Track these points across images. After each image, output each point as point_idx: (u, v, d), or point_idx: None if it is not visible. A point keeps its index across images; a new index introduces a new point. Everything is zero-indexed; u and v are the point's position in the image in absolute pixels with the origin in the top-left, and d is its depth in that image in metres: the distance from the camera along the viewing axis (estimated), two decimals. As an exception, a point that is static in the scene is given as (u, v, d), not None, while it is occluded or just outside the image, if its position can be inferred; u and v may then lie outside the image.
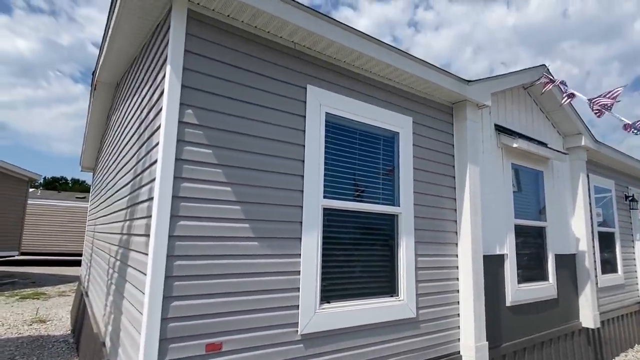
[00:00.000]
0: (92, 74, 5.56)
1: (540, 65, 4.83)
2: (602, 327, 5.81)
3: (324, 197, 2.88)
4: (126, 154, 3.64)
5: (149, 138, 2.63)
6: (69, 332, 7.03)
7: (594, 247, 5.84)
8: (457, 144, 3.92)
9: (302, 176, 2.77)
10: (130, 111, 3.71)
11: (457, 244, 3.77)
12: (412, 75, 3.31)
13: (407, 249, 3.31)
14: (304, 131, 2.83)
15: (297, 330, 2.59)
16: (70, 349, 6.07)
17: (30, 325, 7.37)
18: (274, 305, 2.52)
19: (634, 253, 7.30)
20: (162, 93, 2.39)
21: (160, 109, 2.35)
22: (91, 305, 5.32)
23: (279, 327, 2.52)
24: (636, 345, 6.74)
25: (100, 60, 4.39)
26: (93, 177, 8.87)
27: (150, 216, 2.21)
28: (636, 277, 7.21)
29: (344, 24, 2.84)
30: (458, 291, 3.71)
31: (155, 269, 2.09)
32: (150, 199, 2.29)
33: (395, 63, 3.16)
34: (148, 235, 2.26)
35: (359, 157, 3.21)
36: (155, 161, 2.28)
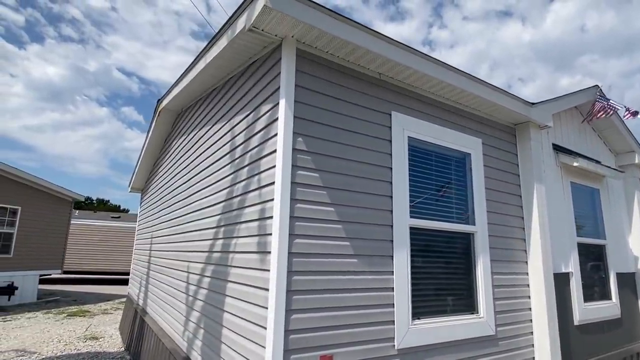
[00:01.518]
0: (157, 102, 5.96)
1: (593, 86, 4.94)
2: (666, 349, 5.64)
3: (410, 216, 3.03)
4: (209, 175, 3.90)
5: (252, 162, 2.86)
6: (122, 349, 7.24)
7: (652, 265, 5.73)
8: (522, 163, 4.03)
9: (391, 197, 2.95)
10: (211, 137, 3.99)
11: (526, 262, 3.83)
12: (484, 99, 3.49)
13: (484, 267, 3.40)
14: (391, 154, 3.02)
15: (394, 345, 2.71)
16: (130, 365, 6.26)
17: (85, 342, 7.63)
18: (374, 320, 2.65)
19: (689, 272, 7.09)
20: (270, 122, 2.63)
21: (271, 137, 2.59)
22: (155, 322, 5.53)
23: (379, 342, 2.64)
24: (699, 369, 6.47)
25: (176, 90, 4.74)
26: (142, 198, 9.26)
27: (270, 234, 2.41)
28: (694, 298, 6.98)
29: (425, 54, 3.06)
30: (530, 309, 3.75)
31: (279, 284, 2.27)
32: (267, 218, 2.49)
33: (468, 87, 3.34)
34: (264, 252, 2.46)
35: (436, 178, 3.37)
36: (271, 183, 2.49)
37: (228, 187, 3.32)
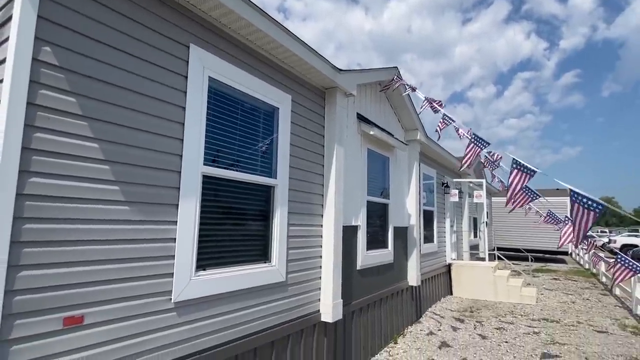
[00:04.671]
0: None
1: (394, 67, 5.68)
2: (422, 285, 7.32)
3: (204, 163, 2.82)
4: None
5: (-21, 75, 2.08)
6: None
7: (420, 221, 7.25)
8: (327, 126, 4.31)
9: (182, 140, 2.65)
10: None
11: (322, 215, 4.19)
12: (294, 55, 3.48)
13: (281, 219, 3.52)
14: (185, 92, 2.69)
15: (170, 299, 2.51)
16: None
17: None
18: (146, 274, 2.37)
19: (444, 227, 9.35)
20: (7, 20, 1.94)
21: (5, 40, 1.91)
22: None
23: (151, 296, 2.39)
24: (442, 298, 8.72)
25: None
26: None
27: (-12, 170, 1.80)
28: (445, 246, 9.27)
29: (234, -11, 2.79)
30: (321, 257, 4.14)
31: (-3, 232, 1.72)
32: (-13, 149, 1.85)
33: (281, 40, 3.27)
34: (-18, 194, 1.83)
35: (240, 127, 3.23)
36: (-4, 103, 1.85)
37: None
